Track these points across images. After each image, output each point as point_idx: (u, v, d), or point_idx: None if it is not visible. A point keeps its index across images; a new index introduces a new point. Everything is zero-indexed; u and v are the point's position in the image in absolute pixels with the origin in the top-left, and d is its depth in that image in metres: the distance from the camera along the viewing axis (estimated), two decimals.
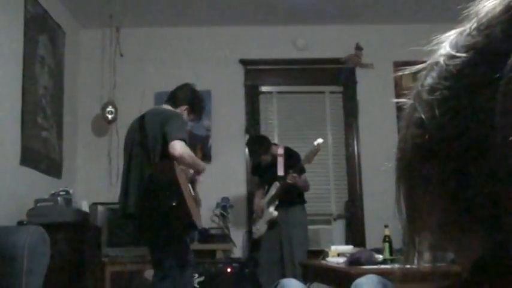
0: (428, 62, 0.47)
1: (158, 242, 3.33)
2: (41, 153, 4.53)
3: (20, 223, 3.72)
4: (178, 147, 3.15)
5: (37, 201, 4.08)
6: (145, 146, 3.32)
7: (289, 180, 4.44)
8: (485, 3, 0.43)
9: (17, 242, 2.87)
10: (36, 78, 4.50)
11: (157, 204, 3.15)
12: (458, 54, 0.44)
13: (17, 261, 2.83)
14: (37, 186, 4.36)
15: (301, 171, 4.56)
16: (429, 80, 0.46)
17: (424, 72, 0.47)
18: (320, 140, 4.38)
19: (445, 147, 0.43)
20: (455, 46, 0.44)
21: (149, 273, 3.73)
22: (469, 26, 0.44)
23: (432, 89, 0.45)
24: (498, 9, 0.42)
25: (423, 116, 0.45)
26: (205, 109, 3.88)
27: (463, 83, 0.42)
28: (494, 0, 0.43)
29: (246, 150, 5.61)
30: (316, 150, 4.50)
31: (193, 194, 3.44)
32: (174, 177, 3.12)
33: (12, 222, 3.73)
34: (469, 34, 0.44)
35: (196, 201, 3.51)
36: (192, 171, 3.49)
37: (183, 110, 3.57)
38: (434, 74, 0.45)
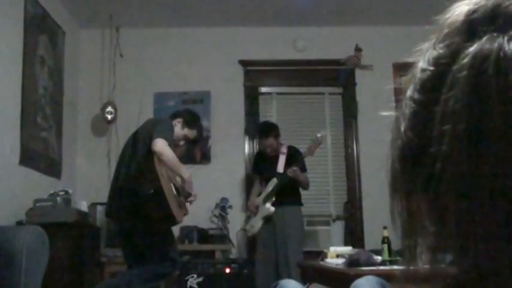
0: (410, 74, 0.48)
1: (136, 234, 3.42)
2: (40, 153, 4.53)
3: (19, 223, 3.72)
4: (159, 143, 3.29)
5: (36, 201, 4.07)
6: (135, 148, 3.48)
7: (289, 173, 4.44)
8: (450, 15, 0.44)
9: (16, 242, 2.87)
10: (36, 78, 4.50)
11: (135, 194, 3.28)
12: (425, 67, 0.44)
13: (15, 261, 2.83)
14: (36, 186, 4.36)
15: (303, 169, 4.59)
16: (409, 92, 0.46)
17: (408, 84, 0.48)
18: (323, 132, 4.41)
19: (419, 159, 0.44)
20: (427, 59, 0.45)
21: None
22: (436, 37, 0.45)
23: (409, 102, 0.46)
24: (459, 19, 0.42)
25: (402, 129, 0.45)
26: (201, 131, 3.94)
27: (424, 97, 0.43)
28: (459, 10, 0.43)
29: (246, 147, 5.61)
30: (319, 142, 4.52)
31: (176, 196, 3.48)
32: (153, 169, 3.25)
33: (11, 222, 3.73)
34: (434, 47, 0.44)
35: (181, 205, 3.53)
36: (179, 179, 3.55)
37: (176, 122, 3.70)
38: (412, 86, 0.46)
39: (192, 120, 3.76)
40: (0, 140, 3.84)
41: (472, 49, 0.40)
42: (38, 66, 4.55)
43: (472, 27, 0.41)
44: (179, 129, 3.69)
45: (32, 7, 4.42)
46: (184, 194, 3.54)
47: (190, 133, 3.74)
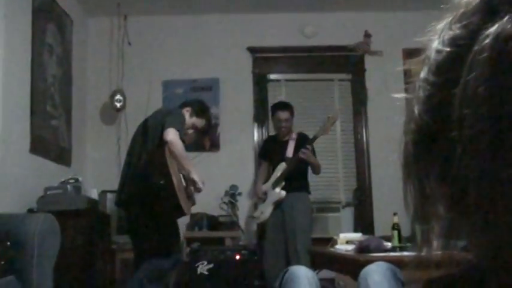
0: (424, 55, 0.46)
1: (145, 223, 3.43)
2: (50, 142, 4.55)
3: (30, 211, 3.75)
4: (171, 133, 3.31)
5: (47, 189, 4.10)
6: (146, 137, 3.49)
7: (301, 154, 4.41)
8: None
9: (28, 230, 2.89)
10: (45, 67, 4.51)
11: (146, 184, 3.30)
12: (441, 49, 0.43)
13: (27, 249, 2.85)
14: (47, 174, 4.38)
15: (313, 152, 4.59)
16: (422, 74, 0.45)
17: (422, 66, 0.47)
18: (337, 111, 4.45)
19: (432, 144, 0.43)
20: (442, 40, 0.44)
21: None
22: (451, 17, 0.43)
23: (423, 85, 0.44)
24: None
25: (416, 112, 0.44)
26: (210, 121, 3.93)
27: (442, 79, 0.42)
28: None
29: (255, 134, 5.61)
30: (333, 119, 4.50)
31: (185, 187, 3.50)
32: (164, 160, 3.27)
33: (22, 210, 3.76)
34: (449, 27, 0.43)
35: (189, 196, 3.54)
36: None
37: (185, 111, 3.70)
38: (426, 68, 0.45)
39: (201, 109, 3.78)
40: (11, 128, 3.86)
41: (493, 29, 0.39)
42: (47, 54, 4.56)
43: (492, 6, 0.40)
44: (188, 117, 3.70)
45: None
46: (191, 185, 3.55)
47: (199, 122, 3.76)
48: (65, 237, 3.17)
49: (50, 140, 4.55)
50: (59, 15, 4.87)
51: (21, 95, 4.09)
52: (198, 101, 3.92)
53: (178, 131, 3.35)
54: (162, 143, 3.34)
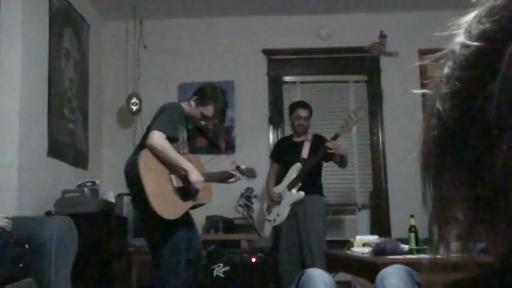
0: (446, 50, 0.45)
1: (145, 226, 3.43)
2: (67, 145, 4.59)
3: (48, 213, 3.78)
4: (152, 136, 3.19)
5: (64, 192, 4.14)
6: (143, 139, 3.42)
7: (329, 145, 4.34)
8: None
9: (46, 232, 2.92)
10: (62, 71, 4.56)
11: (129, 188, 3.31)
12: (469, 43, 0.42)
13: (45, 251, 2.88)
14: (64, 177, 4.42)
15: (325, 156, 4.54)
16: (446, 70, 0.44)
17: (443, 61, 0.46)
18: (361, 109, 4.45)
19: (459, 141, 0.42)
20: (469, 34, 0.43)
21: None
22: (480, 11, 0.42)
23: (447, 80, 0.43)
24: None
25: (440, 108, 0.43)
26: (220, 103, 3.55)
27: (473, 74, 0.41)
28: None
29: (270, 136, 5.60)
30: (358, 117, 4.46)
31: (176, 185, 3.32)
32: (135, 168, 3.14)
33: (40, 213, 3.80)
34: (479, 21, 0.42)
35: (187, 198, 3.38)
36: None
37: (192, 102, 3.53)
38: (450, 63, 0.44)
39: (204, 96, 3.51)
40: (29, 132, 3.90)
41: None
42: (64, 58, 4.61)
43: None
44: (194, 109, 3.51)
45: (57, 0, 4.46)
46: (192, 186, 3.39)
47: (206, 110, 3.50)
48: (82, 240, 3.19)
49: (67, 143, 4.59)
50: (75, 20, 4.92)
51: (39, 99, 4.13)
52: (203, 87, 3.61)
53: (163, 131, 3.22)
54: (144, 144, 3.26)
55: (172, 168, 3.29)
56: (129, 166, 3.25)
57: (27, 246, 2.75)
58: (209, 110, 3.50)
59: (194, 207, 3.51)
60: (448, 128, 0.43)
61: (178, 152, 3.36)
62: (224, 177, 3.72)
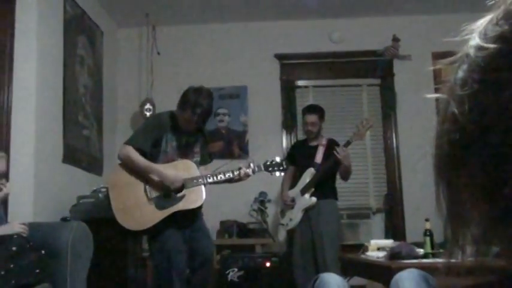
0: (460, 54, 0.45)
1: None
2: (82, 151, 4.63)
3: (64, 219, 3.81)
4: (120, 149, 3.44)
5: (79, 198, 4.17)
6: None
7: (337, 154, 4.30)
8: None
9: (61, 238, 2.95)
10: (77, 78, 4.60)
11: None
12: (486, 45, 0.42)
13: (61, 256, 2.90)
14: (79, 183, 4.46)
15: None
16: (460, 73, 0.44)
17: (457, 64, 0.46)
18: (370, 117, 4.43)
19: (477, 143, 0.42)
20: (484, 36, 0.43)
21: None
22: (497, 14, 0.42)
23: (463, 83, 0.43)
24: None
25: (456, 111, 0.43)
26: (197, 104, 3.40)
27: (491, 76, 0.41)
28: None
29: (284, 141, 5.60)
30: (369, 124, 4.44)
31: (151, 196, 3.40)
32: (107, 180, 3.47)
33: (56, 219, 3.84)
34: (496, 23, 0.42)
35: (161, 201, 3.42)
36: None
37: (183, 113, 3.47)
38: (465, 66, 0.44)
39: (182, 102, 3.46)
40: (44, 139, 3.94)
41: None
42: (78, 66, 4.65)
43: None
44: (179, 115, 3.49)
45: (71, 8, 4.51)
46: (172, 190, 3.43)
47: (187, 115, 3.42)
48: (97, 245, 3.22)
49: (82, 149, 4.63)
50: (89, 27, 4.97)
51: (54, 106, 4.18)
52: (185, 91, 3.53)
53: (131, 144, 3.40)
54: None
55: (146, 176, 3.41)
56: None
57: (43, 251, 2.78)
58: (187, 114, 3.42)
59: (188, 212, 3.46)
60: (465, 131, 0.43)
61: (168, 160, 3.44)
62: (227, 178, 3.56)
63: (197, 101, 3.41)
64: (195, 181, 3.45)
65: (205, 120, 3.59)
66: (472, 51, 0.43)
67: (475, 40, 0.43)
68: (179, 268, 3.35)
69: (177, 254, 3.36)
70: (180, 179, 3.40)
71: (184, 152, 3.54)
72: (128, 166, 3.39)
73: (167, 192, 3.41)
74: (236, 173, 3.56)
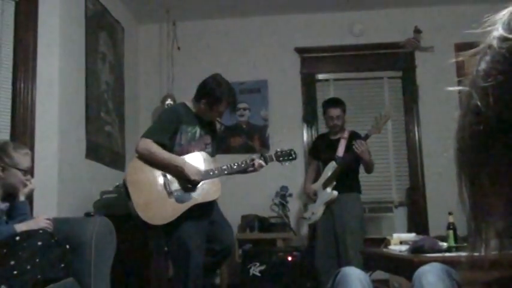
0: (482, 45, 0.45)
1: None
2: (105, 147, 4.68)
3: (88, 214, 3.86)
4: (138, 143, 3.44)
5: (102, 193, 4.22)
6: None
7: (356, 149, 4.27)
8: None
9: (85, 233, 2.98)
10: (98, 74, 4.64)
11: None
12: (510, 36, 0.41)
13: (85, 251, 2.94)
14: (102, 178, 4.50)
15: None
16: (483, 65, 0.43)
17: (478, 56, 0.45)
18: (390, 109, 4.35)
19: (502, 136, 0.41)
20: (508, 27, 0.42)
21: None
22: None
23: (487, 74, 0.42)
24: None
25: (479, 103, 0.43)
26: (230, 96, 3.54)
27: None
28: None
29: (305, 135, 5.59)
30: (386, 118, 4.40)
31: (170, 189, 3.41)
32: (124, 178, 3.45)
33: (79, 214, 3.89)
34: None
35: (180, 195, 3.44)
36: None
37: (202, 104, 3.54)
38: (488, 58, 0.43)
39: (215, 97, 3.49)
40: (67, 135, 3.99)
41: None
42: (100, 62, 4.69)
43: None
44: (209, 110, 3.53)
45: (92, 4, 4.55)
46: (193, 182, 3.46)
47: (222, 107, 3.53)
48: (120, 240, 3.25)
49: (104, 145, 4.67)
50: (110, 24, 5.01)
51: (77, 103, 4.22)
52: (209, 85, 3.55)
53: (149, 136, 3.41)
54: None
55: (166, 169, 3.40)
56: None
57: (68, 246, 2.82)
58: (224, 106, 3.54)
59: (202, 205, 3.47)
60: (488, 123, 0.42)
61: (183, 153, 3.44)
62: (242, 169, 3.59)
63: (229, 91, 3.54)
64: (211, 173, 3.48)
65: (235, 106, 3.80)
66: (495, 42, 0.42)
67: (499, 31, 0.43)
68: (197, 262, 3.37)
69: (196, 248, 3.38)
70: (201, 171, 3.44)
71: (197, 144, 3.55)
72: (147, 160, 3.38)
73: (187, 185, 3.42)
74: (250, 163, 3.58)
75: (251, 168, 3.60)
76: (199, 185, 3.46)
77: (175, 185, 3.42)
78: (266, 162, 3.64)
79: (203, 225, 3.48)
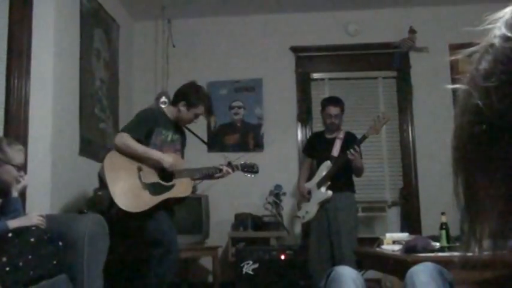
0: (481, 44, 0.44)
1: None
2: (98, 144, 4.66)
3: (81, 212, 3.85)
4: (116, 137, 3.57)
5: (96, 190, 4.20)
6: None
7: (349, 155, 4.29)
8: None
9: (78, 230, 2.97)
10: (93, 71, 4.63)
11: None
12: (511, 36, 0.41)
13: (78, 249, 2.93)
14: (95, 176, 4.48)
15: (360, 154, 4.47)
16: (484, 64, 0.43)
17: (477, 55, 0.45)
18: (388, 112, 4.39)
19: (506, 135, 0.41)
20: (510, 27, 0.42)
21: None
22: None
23: (488, 74, 0.42)
24: None
25: (480, 103, 0.42)
26: (208, 101, 3.87)
27: None
28: None
29: (299, 134, 5.59)
30: (386, 119, 4.42)
31: (145, 181, 3.54)
32: (101, 171, 3.52)
33: (72, 211, 3.88)
34: None
35: (153, 188, 3.56)
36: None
37: (181, 107, 3.75)
38: (489, 57, 0.43)
39: (194, 99, 3.74)
40: (61, 132, 3.98)
41: None
42: (95, 59, 4.68)
43: None
44: (186, 113, 3.75)
45: (87, 1, 4.53)
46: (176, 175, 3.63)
47: (199, 110, 3.77)
48: (113, 237, 3.24)
49: (98, 142, 4.66)
50: (105, 21, 4.99)
51: (71, 99, 4.21)
52: (188, 89, 3.82)
53: (128, 131, 3.55)
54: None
55: (144, 161, 3.54)
56: (101, 167, 3.56)
57: (60, 243, 2.81)
58: (201, 109, 3.77)
59: (174, 201, 3.65)
60: (491, 123, 0.42)
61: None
62: (210, 174, 3.82)
63: (207, 96, 3.88)
64: (184, 172, 3.69)
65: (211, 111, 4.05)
66: (497, 42, 0.42)
67: (501, 30, 0.42)
68: (175, 245, 3.53)
69: (172, 233, 3.56)
70: (175, 164, 3.60)
71: (169, 148, 3.73)
72: (124, 153, 3.52)
73: (160, 180, 3.58)
74: (218, 170, 3.81)
75: (219, 174, 3.80)
76: (171, 182, 3.63)
77: (149, 179, 3.57)
78: (233, 170, 3.87)
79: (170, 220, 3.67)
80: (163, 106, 5.37)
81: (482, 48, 0.44)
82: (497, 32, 0.42)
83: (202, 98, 3.80)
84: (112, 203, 3.40)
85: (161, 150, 3.64)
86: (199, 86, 3.89)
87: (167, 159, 3.57)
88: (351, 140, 4.48)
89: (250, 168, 4.03)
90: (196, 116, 3.78)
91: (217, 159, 4.36)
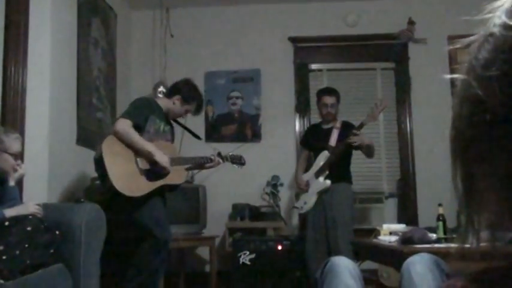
0: (481, 33, 0.44)
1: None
2: (96, 133, 4.65)
3: (78, 201, 3.84)
4: (117, 123, 3.55)
5: (93, 179, 4.20)
6: None
7: (350, 141, 4.30)
8: None
9: (75, 219, 2.98)
10: (90, 60, 4.61)
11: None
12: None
13: (75, 238, 2.94)
14: (93, 165, 4.48)
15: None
16: (484, 54, 0.42)
17: (476, 45, 0.44)
18: (386, 99, 4.40)
19: (506, 124, 0.40)
20: (511, 15, 0.41)
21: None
22: None
23: (488, 63, 0.41)
24: None
25: (480, 93, 0.42)
26: (201, 100, 3.97)
27: None
28: None
29: (297, 125, 5.59)
30: (383, 106, 4.42)
31: (141, 167, 3.55)
32: (99, 150, 3.50)
33: (70, 200, 3.87)
34: None
35: (149, 174, 3.58)
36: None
37: (175, 100, 3.84)
38: (489, 46, 0.42)
39: (189, 95, 3.87)
40: (58, 121, 3.97)
41: None
42: (92, 48, 4.66)
43: None
44: (179, 106, 3.85)
45: None
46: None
47: (190, 107, 3.89)
48: (110, 227, 3.24)
49: (95, 131, 4.65)
50: (103, 9, 4.96)
51: (68, 89, 4.19)
52: (184, 85, 3.93)
53: (128, 118, 3.54)
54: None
55: (138, 152, 3.54)
56: (97, 151, 3.55)
57: (57, 232, 2.81)
58: (193, 107, 3.90)
59: (168, 188, 3.71)
60: (495, 112, 0.41)
61: (151, 141, 3.61)
62: (201, 162, 3.88)
63: (201, 96, 3.97)
64: (178, 160, 3.75)
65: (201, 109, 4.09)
66: (497, 30, 0.41)
67: (501, 19, 0.42)
68: (168, 232, 3.57)
69: (165, 219, 3.61)
70: (168, 159, 3.60)
71: (161, 137, 3.76)
72: (122, 140, 3.51)
73: (155, 167, 3.58)
74: (209, 160, 3.87)
75: (210, 164, 3.87)
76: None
77: (145, 165, 3.58)
78: (223, 161, 3.96)
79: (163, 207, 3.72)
80: (160, 96, 5.37)
81: (481, 38, 0.43)
82: (497, 21, 0.42)
83: (197, 96, 3.93)
84: (110, 186, 3.40)
85: (153, 138, 3.66)
86: (195, 84, 4.00)
87: (161, 158, 3.54)
88: (348, 129, 4.48)
89: (238, 160, 4.11)
90: (187, 111, 3.91)
91: (215, 149, 4.37)
